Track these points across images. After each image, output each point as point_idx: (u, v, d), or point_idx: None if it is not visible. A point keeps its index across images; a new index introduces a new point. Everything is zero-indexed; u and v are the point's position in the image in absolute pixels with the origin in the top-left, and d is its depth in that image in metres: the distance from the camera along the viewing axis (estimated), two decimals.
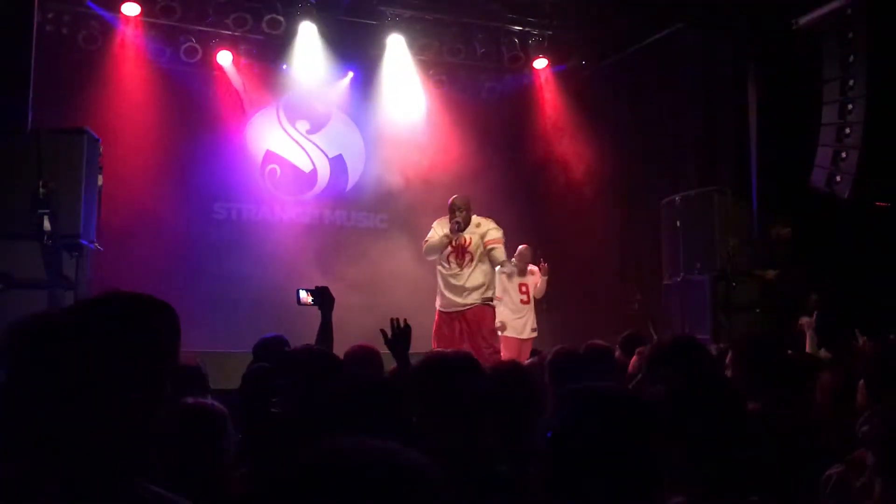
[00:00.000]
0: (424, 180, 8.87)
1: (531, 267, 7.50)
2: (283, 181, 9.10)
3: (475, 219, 6.39)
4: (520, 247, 7.45)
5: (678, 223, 7.58)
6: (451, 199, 6.35)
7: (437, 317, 6.23)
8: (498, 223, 6.46)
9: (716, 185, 7.64)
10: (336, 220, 9.30)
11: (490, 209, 7.15)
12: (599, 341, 3.66)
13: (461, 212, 6.28)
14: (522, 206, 9.05)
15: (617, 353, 4.01)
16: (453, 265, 6.32)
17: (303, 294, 3.62)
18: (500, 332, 6.77)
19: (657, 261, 8.10)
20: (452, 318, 6.35)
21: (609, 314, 8.35)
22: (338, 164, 9.37)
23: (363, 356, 3.41)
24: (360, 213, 9.37)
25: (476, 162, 8.99)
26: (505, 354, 6.38)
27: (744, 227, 7.45)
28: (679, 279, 7.71)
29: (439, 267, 6.40)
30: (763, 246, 7.24)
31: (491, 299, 6.40)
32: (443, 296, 6.36)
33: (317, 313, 3.47)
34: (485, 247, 6.36)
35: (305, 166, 9.28)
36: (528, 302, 7.43)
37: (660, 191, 8.24)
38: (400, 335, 3.27)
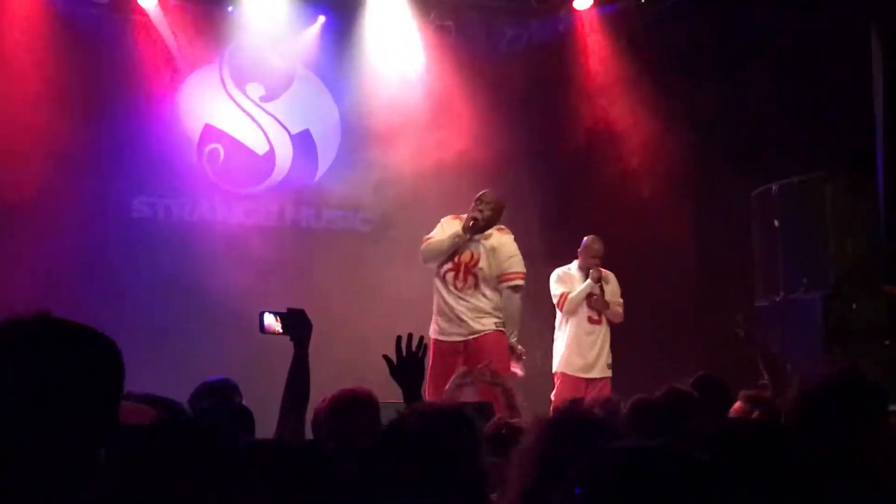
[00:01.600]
0: (422, 166, 8.80)
1: (607, 273, 7.64)
2: (228, 167, 8.98)
3: (496, 234, 6.64)
4: (586, 239, 7.63)
5: (776, 222, 7.80)
6: (480, 194, 6.67)
7: (432, 347, 6.29)
8: (527, 225, 6.85)
9: (827, 169, 7.84)
10: (301, 220, 9.19)
11: (515, 207, 7.36)
12: (679, 385, 3.94)
13: (488, 208, 6.54)
14: (558, 199, 9.19)
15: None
16: (449, 285, 6.59)
17: (268, 319, 3.66)
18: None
19: (746, 274, 8.28)
20: (451, 350, 6.52)
21: (684, 344, 8.51)
22: (303, 143, 9.22)
23: (352, 406, 3.46)
24: (333, 212, 9.28)
25: (494, 140, 8.95)
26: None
27: (866, 227, 7.68)
28: (778, 299, 7.89)
29: (437, 281, 6.63)
30: (893, 252, 7.48)
31: (504, 325, 6.57)
32: (436, 320, 6.62)
33: (276, 343, 3.52)
34: (499, 279, 6.64)
35: (259, 146, 9.13)
36: (600, 322, 7.59)
37: (749, 178, 8.39)
38: (411, 361, 3.38)
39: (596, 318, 7.64)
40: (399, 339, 3.49)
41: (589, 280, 7.54)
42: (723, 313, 7.64)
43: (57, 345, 1.71)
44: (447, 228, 6.67)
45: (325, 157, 9.29)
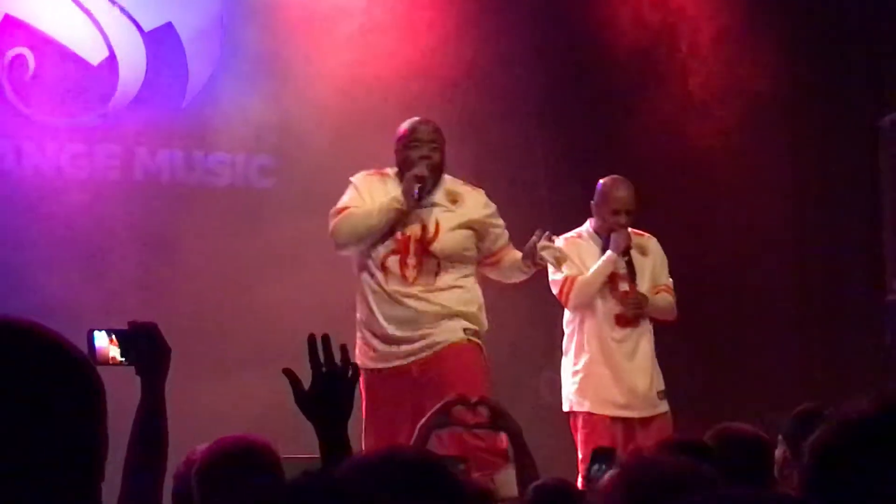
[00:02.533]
0: (358, 85, 8.07)
1: (644, 239, 6.90)
2: (41, 85, 8.04)
3: (451, 182, 6.11)
4: (603, 182, 6.79)
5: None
6: (408, 125, 6.06)
7: (362, 379, 5.58)
8: (533, 178, 7.22)
9: None
10: (162, 169, 8.22)
11: (511, 153, 7.69)
12: (743, 426, 4.03)
13: (437, 152, 5.96)
14: (581, 143, 8.43)
15: (780, 451, 4.24)
16: (393, 276, 5.96)
17: (100, 340, 3.39)
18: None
19: (872, 252, 8.16)
20: (392, 383, 5.97)
21: (776, 360, 8.14)
22: (163, 45, 8.24)
23: (237, 465, 3.24)
24: (214, 156, 8.25)
25: (474, 45, 8.26)
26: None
27: None
28: None
29: (365, 277, 6.04)
30: None
31: (479, 335, 6.07)
32: (368, 338, 6.04)
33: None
34: (484, 257, 6.13)
35: (92, 51, 8.13)
36: (635, 321, 6.76)
37: (871, 103, 8.30)
38: (334, 382, 3.10)
39: (630, 314, 6.81)
40: (313, 341, 3.06)
41: (610, 252, 6.64)
42: (839, 313, 7.77)
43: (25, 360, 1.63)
44: (372, 192, 6.06)
45: (200, 68, 8.30)
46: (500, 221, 6.28)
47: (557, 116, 8.65)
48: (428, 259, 5.98)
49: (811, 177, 8.89)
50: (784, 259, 8.81)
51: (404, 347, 6.05)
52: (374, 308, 6.08)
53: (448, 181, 6.21)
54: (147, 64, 8.19)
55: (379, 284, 6.05)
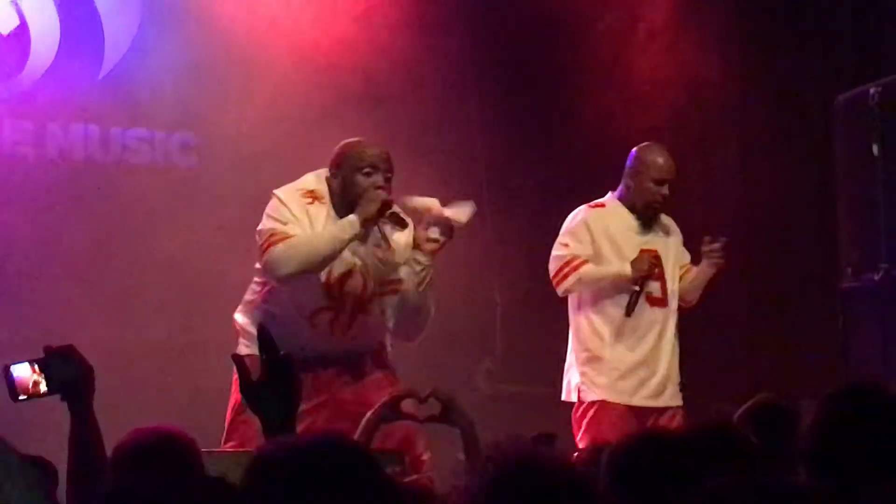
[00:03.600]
0: (298, 54, 7.94)
1: (665, 217, 6.54)
2: None
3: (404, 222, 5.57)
4: (639, 149, 6.39)
5: (875, 148, 6.93)
6: (356, 148, 5.47)
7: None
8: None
9: None
10: (76, 147, 7.96)
11: (449, 150, 7.64)
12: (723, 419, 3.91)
13: (388, 182, 5.41)
14: (521, 131, 8.38)
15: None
16: (319, 332, 5.47)
17: (21, 372, 3.28)
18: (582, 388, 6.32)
19: (826, 238, 8.02)
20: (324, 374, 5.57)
21: (730, 349, 8.18)
22: (78, 13, 7.96)
23: (150, 457, 3.18)
24: (134, 132, 8.02)
25: (416, 59, 8.15)
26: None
27: None
28: (877, 277, 7.25)
29: (275, 308, 5.49)
30: None
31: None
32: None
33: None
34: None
35: (1, 22, 7.92)
36: (664, 301, 6.37)
37: (829, 79, 8.29)
38: (281, 372, 2.96)
39: (660, 294, 6.39)
40: (263, 331, 2.97)
41: (630, 272, 6.17)
42: (791, 299, 7.82)
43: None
44: (312, 219, 5.47)
45: (118, 38, 8.05)
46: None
47: (498, 109, 8.47)
48: (363, 317, 5.60)
49: (763, 160, 8.79)
50: (736, 246, 8.19)
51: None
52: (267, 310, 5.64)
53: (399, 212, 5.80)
54: (61, 34, 7.96)
55: (296, 328, 5.54)
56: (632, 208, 6.33)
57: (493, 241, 8.23)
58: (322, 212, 5.54)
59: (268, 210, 5.49)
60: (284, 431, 3.03)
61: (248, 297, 5.73)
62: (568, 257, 6.28)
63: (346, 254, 5.47)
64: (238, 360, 3.09)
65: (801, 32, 8.83)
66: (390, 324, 5.67)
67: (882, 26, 8.58)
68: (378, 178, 5.38)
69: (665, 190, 6.32)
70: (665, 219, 6.52)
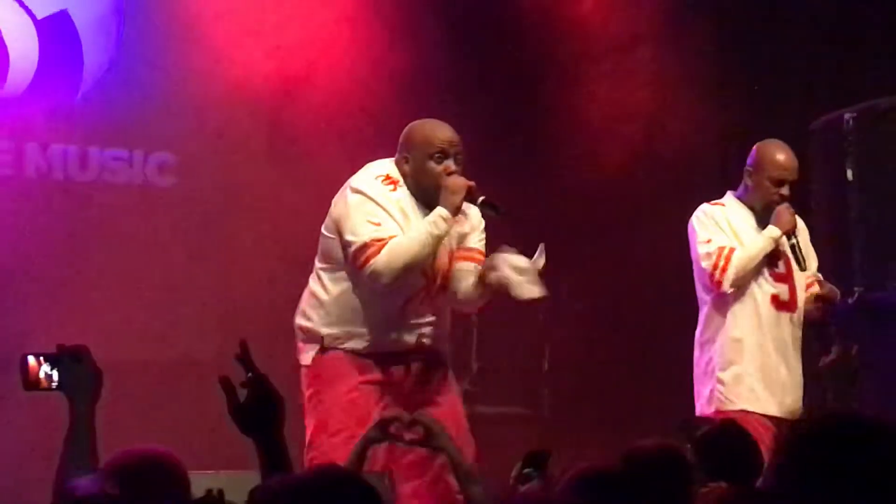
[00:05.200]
0: (273, 77, 7.95)
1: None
2: None
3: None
4: (761, 146, 6.10)
5: (849, 173, 7.08)
6: (428, 129, 5.36)
7: (321, 363, 5.37)
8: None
9: None
10: (55, 167, 7.99)
11: None
12: (651, 442, 3.86)
13: (460, 165, 5.29)
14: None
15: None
16: (414, 308, 5.35)
17: (33, 363, 3.40)
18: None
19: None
20: (382, 375, 5.37)
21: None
22: (58, 33, 7.99)
23: (138, 482, 3.12)
24: (110, 151, 8.04)
25: (390, 71, 8.10)
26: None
27: None
28: (852, 300, 7.23)
29: (352, 289, 5.31)
30: None
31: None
32: (352, 322, 5.36)
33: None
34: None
35: None
36: (792, 305, 6.12)
37: (808, 105, 8.18)
38: (262, 387, 3.04)
39: (787, 297, 6.09)
40: (245, 350, 3.02)
41: (773, 228, 5.93)
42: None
43: None
44: (403, 209, 5.29)
45: (96, 58, 8.08)
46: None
47: (477, 115, 8.18)
48: (441, 294, 5.50)
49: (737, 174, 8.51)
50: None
51: (395, 337, 5.51)
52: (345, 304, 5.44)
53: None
54: (39, 53, 7.96)
55: (377, 318, 5.46)
56: (751, 208, 6.08)
57: None
58: (405, 196, 5.38)
59: (352, 207, 5.30)
60: (278, 449, 3.09)
61: (312, 297, 5.53)
62: (717, 250, 6.01)
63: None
64: (225, 382, 3.06)
65: (780, 58, 8.77)
66: (459, 295, 5.54)
67: (858, 51, 8.56)
68: (450, 164, 5.27)
69: (785, 191, 6.02)
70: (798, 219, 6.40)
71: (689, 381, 8.01)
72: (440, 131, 5.31)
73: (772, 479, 2.66)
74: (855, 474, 2.42)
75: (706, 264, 5.93)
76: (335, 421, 5.32)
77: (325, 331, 5.40)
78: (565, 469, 3.67)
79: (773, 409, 6.01)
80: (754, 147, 6.12)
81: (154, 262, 7.72)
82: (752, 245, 5.97)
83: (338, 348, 5.46)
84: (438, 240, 5.26)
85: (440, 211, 5.16)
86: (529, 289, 5.37)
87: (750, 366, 6.04)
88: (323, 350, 5.43)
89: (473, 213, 5.50)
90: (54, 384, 3.46)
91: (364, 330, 5.44)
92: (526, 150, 8.58)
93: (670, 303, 8.47)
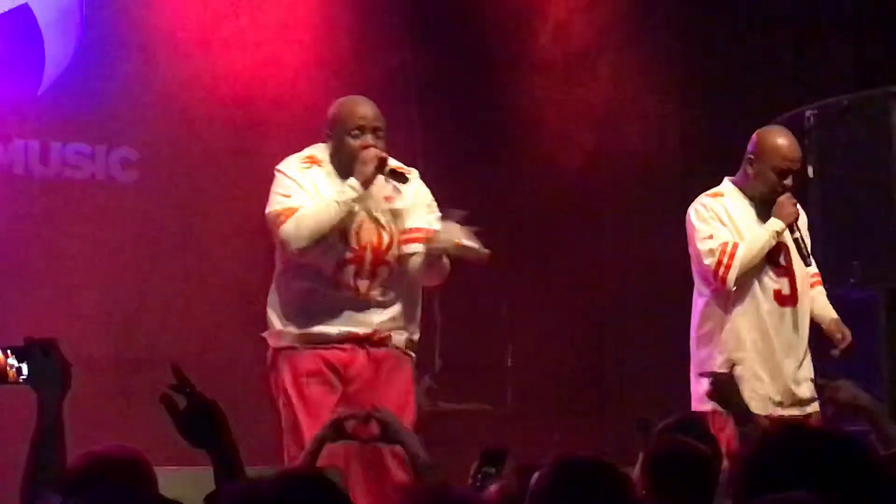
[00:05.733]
0: (235, 70, 7.88)
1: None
2: None
3: (413, 179, 5.60)
4: (762, 132, 5.95)
5: (809, 170, 6.85)
6: (346, 107, 5.48)
7: (283, 362, 5.44)
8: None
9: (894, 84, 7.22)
10: (15, 162, 7.88)
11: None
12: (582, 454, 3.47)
13: (379, 140, 5.41)
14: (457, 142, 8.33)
15: (637, 474, 3.85)
16: (345, 284, 5.45)
17: (0, 357, 3.39)
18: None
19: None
20: (328, 359, 5.40)
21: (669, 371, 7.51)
22: (18, 27, 7.93)
23: (103, 477, 3.13)
24: (72, 146, 7.95)
25: (355, 68, 8.00)
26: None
27: None
28: None
29: (297, 275, 5.50)
30: None
31: (414, 344, 5.65)
32: (304, 315, 5.49)
33: None
34: (400, 241, 5.56)
35: None
36: (794, 298, 5.91)
37: (767, 101, 8.05)
38: (200, 402, 3.11)
39: (789, 291, 5.89)
40: (179, 374, 3.08)
41: (775, 220, 5.75)
42: None
43: None
44: (317, 185, 5.45)
45: (58, 53, 8.01)
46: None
47: (439, 112, 8.37)
48: (382, 268, 5.56)
49: (703, 182, 8.34)
50: (678, 261, 8.05)
51: (351, 324, 5.55)
52: (300, 290, 5.58)
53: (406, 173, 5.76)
54: (0, 48, 7.92)
55: (321, 285, 5.57)
56: (750, 198, 5.89)
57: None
58: (321, 174, 5.52)
59: (272, 188, 5.48)
60: (230, 458, 3.12)
61: (272, 292, 5.67)
62: (720, 246, 5.81)
63: (358, 207, 5.49)
64: (166, 400, 3.11)
65: (740, 56, 8.77)
66: (409, 274, 5.59)
67: (819, 49, 8.61)
68: (367, 138, 5.37)
69: (788, 181, 5.85)
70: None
71: (651, 377, 8.04)
72: (358, 108, 5.43)
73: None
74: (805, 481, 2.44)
75: (709, 261, 5.75)
76: (292, 420, 5.36)
77: (278, 324, 5.51)
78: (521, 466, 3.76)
79: (776, 410, 5.83)
80: (755, 134, 5.94)
81: (117, 258, 7.69)
82: (755, 240, 5.80)
83: (294, 345, 5.50)
84: (346, 207, 5.35)
85: (350, 181, 5.29)
86: (468, 239, 5.42)
87: (753, 364, 5.87)
88: (280, 344, 5.50)
89: (413, 190, 5.58)
90: (23, 377, 3.41)
91: (311, 317, 5.50)
92: (489, 150, 8.57)
93: (633, 298, 8.61)
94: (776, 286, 5.88)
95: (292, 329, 5.54)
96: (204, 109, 7.82)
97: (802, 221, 6.05)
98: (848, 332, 5.93)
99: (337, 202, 5.35)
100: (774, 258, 5.87)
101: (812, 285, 6.05)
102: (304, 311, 5.58)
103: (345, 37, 8.23)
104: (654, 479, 3.89)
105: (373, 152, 5.31)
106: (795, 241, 5.83)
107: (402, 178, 5.42)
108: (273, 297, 5.62)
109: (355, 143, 5.34)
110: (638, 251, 8.61)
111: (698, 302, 5.96)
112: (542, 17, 8.78)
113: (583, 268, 8.23)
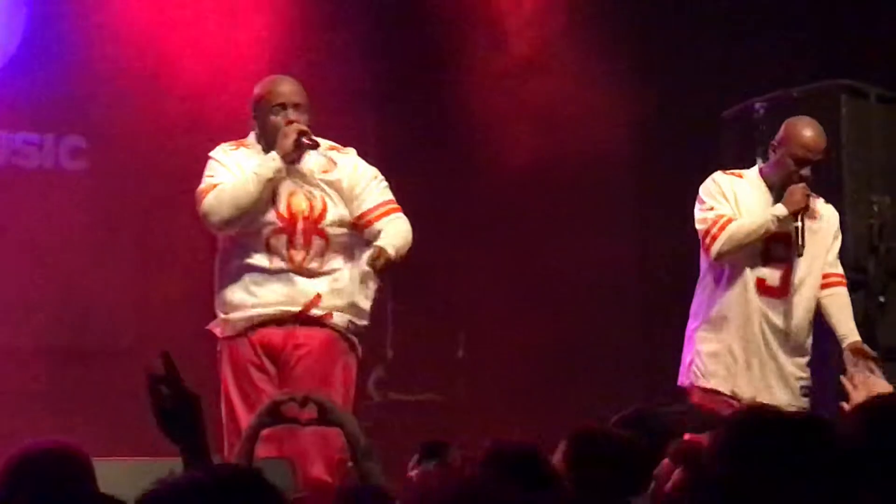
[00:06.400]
0: (172, 67, 7.80)
1: (819, 202, 5.85)
2: None
3: (338, 155, 5.57)
4: (790, 122, 5.80)
5: (760, 161, 6.52)
6: (267, 86, 5.53)
7: (224, 351, 5.47)
8: None
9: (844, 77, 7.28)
10: None
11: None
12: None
13: (301, 114, 5.43)
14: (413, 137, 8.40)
15: (558, 459, 3.73)
16: (279, 254, 5.45)
17: None
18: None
19: None
20: (268, 342, 5.38)
21: (628, 354, 8.29)
22: None
23: (37, 473, 3.13)
24: (21, 135, 7.95)
25: (308, 56, 7.92)
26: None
27: None
28: None
29: (234, 255, 5.53)
30: None
31: (357, 328, 5.50)
32: (241, 297, 5.44)
33: None
34: (362, 225, 5.49)
35: None
36: (784, 291, 5.72)
37: (719, 92, 8.02)
38: (179, 399, 3.06)
39: (777, 283, 5.74)
40: (168, 362, 3.00)
41: (780, 206, 5.57)
42: (685, 305, 6.64)
43: None
44: (240, 164, 5.49)
45: (4, 41, 7.98)
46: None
47: (392, 102, 8.39)
48: (313, 235, 5.53)
49: (657, 171, 8.67)
50: (630, 252, 8.70)
51: (281, 296, 5.51)
52: (236, 267, 5.58)
53: (328, 148, 5.73)
54: None
55: (257, 263, 5.55)
56: (770, 186, 5.76)
57: None
58: (247, 154, 5.55)
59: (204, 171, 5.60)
60: (200, 451, 3.09)
61: (215, 274, 5.66)
62: (715, 217, 5.71)
63: (288, 179, 5.45)
64: (153, 387, 3.08)
65: (691, 49, 8.74)
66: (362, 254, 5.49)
67: (769, 41, 8.50)
68: (289, 113, 5.42)
69: (806, 171, 5.67)
70: (821, 206, 5.92)
71: (604, 370, 8.03)
72: (277, 85, 5.49)
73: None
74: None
75: (701, 228, 5.67)
76: (230, 410, 5.32)
77: (220, 314, 5.47)
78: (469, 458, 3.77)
79: (747, 393, 5.69)
80: (784, 122, 5.80)
81: (66, 247, 7.64)
82: (751, 219, 5.68)
83: (233, 334, 5.46)
84: (265, 178, 5.37)
85: (271, 153, 5.34)
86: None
87: (732, 345, 5.76)
88: (222, 334, 5.47)
89: (352, 163, 5.58)
90: None
91: (248, 297, 5.46)
92: (441, 151, 8.53)
93: (585, 290, 8.51)
94: (760, 275, 5.73)
95: (232, 316, 5.50)
96: (154, 98, 7.73)
97: (832, 224, 5.85)
98: (868, 364, 5.56)
99: (256, 174, 5.37)
100: (771, 246, 5.70)
101: (828, 285, 5.84)
102: (242, 291, 5.52)
103: (298, 41, 8.12)
104: (571, 462, 3.87)
105: (294, 126, 5.34)
106: (795, 229, 5.61)
107: (314, 145, 5.41)
108: (215, 286, 5.59)
109: (277, 118, 5.38)
110: (591, 246, 8.60)
111: (701, 279, 5.84)
112: (493, 18, 8.70)
113: (536, 262, 8.23)
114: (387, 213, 5.50)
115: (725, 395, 5.68)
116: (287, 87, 5.50)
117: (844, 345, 5.66)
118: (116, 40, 7.79)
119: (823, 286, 5.79)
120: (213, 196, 5.42)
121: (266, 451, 4.73)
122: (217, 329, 5.47)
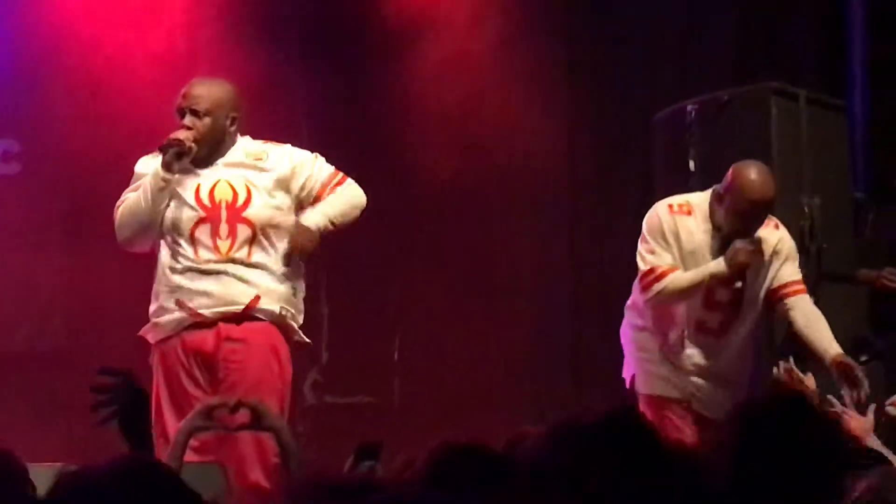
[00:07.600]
0: (109, 67, 7.75)
1: (773, 232, 5.74)
2: None
3: (251, 143, 5.52)
4: (738, 167, 5.64)
5: (691, 164, 6.93)
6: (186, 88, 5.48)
7: (155, 356, 5.38)
8: None
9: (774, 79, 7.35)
10: None
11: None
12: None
13: (193, 116, 5.30)
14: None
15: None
16: (204, 245, 5.33)
17: None
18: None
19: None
20: (192, 347, 5.30)
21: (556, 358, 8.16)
22: None
23: None
24: None
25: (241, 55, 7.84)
26: None
27: (835, 172, 7.28)
28: None
29: (164, 257, 5.40)
30: (875, 217, 7.36)
31: (293, 318, 5.44)
32: (170, 299, 5.35)
33: None
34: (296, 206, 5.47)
35: None
36: (724, 329, 5.68)
37: (650, 96, 8.12)
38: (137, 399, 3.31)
39: (714, 325, 5.67)
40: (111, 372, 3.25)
41: (722, 263, 5.46)
42: (614, 311, 6.65)
43: None
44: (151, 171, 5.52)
45: None
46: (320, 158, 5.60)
47: (323, 94, 8.26)
48: (236, 226, 5.42)
49: (589, 173, 8.64)
50: (562, 254, 8.58)
51: (205, 300, 5.41)
52: (168, 272, 5.49)
53: (246, 142, 5.62)
54: None
55: (177, 256, 5.46)
56: (717, 227, 5.62)
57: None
58: (157, 163, 5.48)
59: None
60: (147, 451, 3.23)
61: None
62: (651, 263, 5.63)
63: (209, 171, 5.38)
64: (117, 392, 3.20)
65: (623, 51, 8.71)
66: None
67: (701, 44, 8.58)
68: (186, 119, 5.36)
69: (748, 224, 5.51)
70: (768, 233, 5.73)
71: (537, 376, 8.05)
72: (183, 90, 5.40)
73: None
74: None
75: (639, 266, 5.57)
76: (157, 415, 5.24)
77: (151, 317, 5.39)
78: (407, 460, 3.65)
79: (690, 399, 5.63)
80: (731, 168, 5.64)
81: None
82: (688, 276, 5.55)
83: (163, 337, 5.39)
84: (154, 191, 5.29)
85: (156, 166, 5.28)
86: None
87: (670, 358, 5.68)
88: (154, 339, 5.40)
89: (281, 152, 5.50)
90: None
91: (177, 296, 5.38)
92: (373, 147, 8.39)
93: (519, 293, 8.45)
94: (701, 317, 5.67)
95: (161, 320, 5.42)
96: (88, 103, 7.64)
97: (769, 246, 5.67)
98: (854, 375, 5.37)
99: (146, 185, 5.32)
100: (713, 291, 5.60)
101: (787, 295, 5.68)
102: (171, 292, 5.42)
103: (240, 42, 8.01)
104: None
105: (172, 136, 5.28)
106: (739, 287, 5.53)
107: (181, 152, 5.26)
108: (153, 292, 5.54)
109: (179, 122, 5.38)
110: (524, 248, 8.59)
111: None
112: (423, 20, 8.59)
113: (470, 264, 8.20)
114: (332, 189, 5.43)
115: (673, 399, 5.63)
116: (187, 91, 5.43)
117: (826, 361, 5.48)
118: (48, 43, 7.68)
119: (784, 296, 5.68)
120: (118, 214, 5.39)
121: (203, 458, 4.74)
122: (149, 335, 5.39)
